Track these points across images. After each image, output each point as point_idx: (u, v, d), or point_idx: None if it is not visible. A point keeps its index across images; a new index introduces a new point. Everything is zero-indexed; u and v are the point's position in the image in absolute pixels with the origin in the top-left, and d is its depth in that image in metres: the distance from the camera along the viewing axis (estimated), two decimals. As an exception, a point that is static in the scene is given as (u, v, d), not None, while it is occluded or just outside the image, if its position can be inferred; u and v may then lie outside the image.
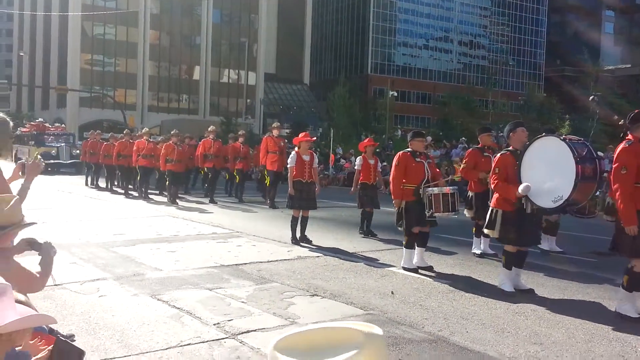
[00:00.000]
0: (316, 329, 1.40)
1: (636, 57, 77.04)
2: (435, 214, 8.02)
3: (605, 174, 8.28)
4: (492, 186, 7.20)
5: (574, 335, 5.50)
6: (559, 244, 10.13)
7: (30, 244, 3.39)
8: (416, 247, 8.37)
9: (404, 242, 8.44)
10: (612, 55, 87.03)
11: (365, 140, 12.73)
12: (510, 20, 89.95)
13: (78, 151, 27.60)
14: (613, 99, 48.27)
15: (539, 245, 8.53)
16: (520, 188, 6.71)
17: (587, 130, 42.60)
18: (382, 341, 1.38)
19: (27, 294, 3.07)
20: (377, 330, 1.38)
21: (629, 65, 76.18)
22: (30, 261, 3.41)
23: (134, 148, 18.09)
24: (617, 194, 5.85)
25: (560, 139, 6.82)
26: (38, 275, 3.21)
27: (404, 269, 8.23)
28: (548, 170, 6.70)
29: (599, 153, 8.40)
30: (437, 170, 8.95)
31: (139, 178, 18.20)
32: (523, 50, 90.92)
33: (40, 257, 3.38)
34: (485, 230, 7.35)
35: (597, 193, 9.11)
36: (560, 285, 7.61)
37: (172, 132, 17.77)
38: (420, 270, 8.17)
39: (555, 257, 9.64)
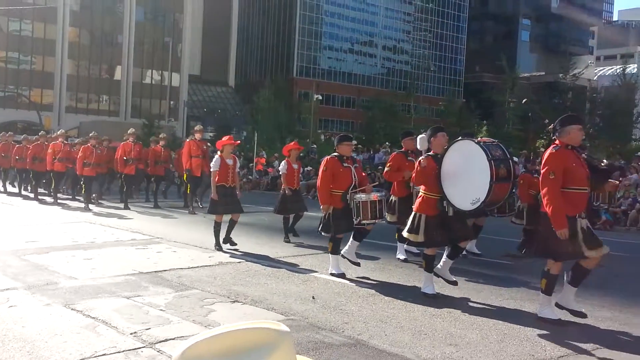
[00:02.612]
0: (226, 332, 1.36)
1: (550, 65, 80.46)
2: (363, 222, 8.01)
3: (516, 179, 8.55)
4: (412, 183, 7.38)
5: (487, 336, 5.68)
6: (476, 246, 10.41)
7: None
8: (351, 240, 8.36)
9: (329, 249, 8.36)
10: (528, 62, 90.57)
11: (291, 144, 12.49)
12: (432, 26, 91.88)
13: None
14: (530, 106, 50.33)
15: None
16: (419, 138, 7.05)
17: (503, 135, 44.24)
18: (292, 338, 1.38)
19: None
20: (285, 327, 1.38)
21: (543, 73, 79.59)
22: None
23: (49, 151, 17.38)
24: (546, 198, 5.93)
25: (475, 142, 7.04)
26: None
27: (332, 274, 8.18)
28: (465, 172, 6.89)
29: (514, 158, 8.68)
30: (364, 174, 9.01)
31: (53, 184, 17.52)
32: (444, 57, 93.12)
33: None
34: (405, 234, 7.31)
35: (514, 190, 9.38)
36: (477, 287, 7.83)
37: (90, 135, 17.22)
38: (342, 269, 8.20)
39: (472, 259, 9.89)
